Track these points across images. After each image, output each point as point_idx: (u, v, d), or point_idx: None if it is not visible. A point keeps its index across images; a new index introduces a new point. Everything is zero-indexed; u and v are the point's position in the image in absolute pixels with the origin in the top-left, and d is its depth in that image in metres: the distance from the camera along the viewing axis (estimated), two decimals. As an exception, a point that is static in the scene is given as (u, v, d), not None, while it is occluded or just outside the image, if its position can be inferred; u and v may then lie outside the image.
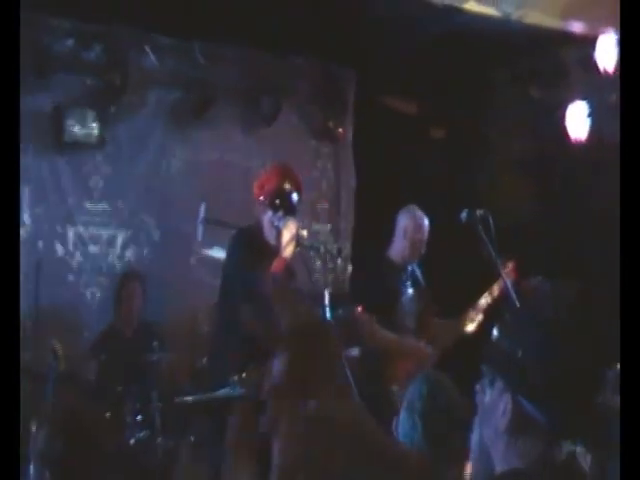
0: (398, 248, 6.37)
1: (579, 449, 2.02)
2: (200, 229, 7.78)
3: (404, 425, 3.39)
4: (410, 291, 6.36)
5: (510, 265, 6.26)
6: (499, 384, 2.10)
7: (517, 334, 2.21)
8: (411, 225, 6.33)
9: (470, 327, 6.36)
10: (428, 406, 3.36)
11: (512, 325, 2.30)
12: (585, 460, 2.13)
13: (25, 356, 6.44)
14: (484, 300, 6.39)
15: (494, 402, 2.10)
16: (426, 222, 6.35)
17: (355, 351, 6.16)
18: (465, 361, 5.73)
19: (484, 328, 6.19)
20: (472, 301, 6.40)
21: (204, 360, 6.62)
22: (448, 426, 3.30)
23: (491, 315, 6.25)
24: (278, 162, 6.81)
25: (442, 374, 3.69)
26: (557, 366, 2.06)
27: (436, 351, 6.28)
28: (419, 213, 6.39)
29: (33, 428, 5.16)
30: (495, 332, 2.18)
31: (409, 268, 6.41)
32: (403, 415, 3.42)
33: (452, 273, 6.84)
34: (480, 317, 6.36)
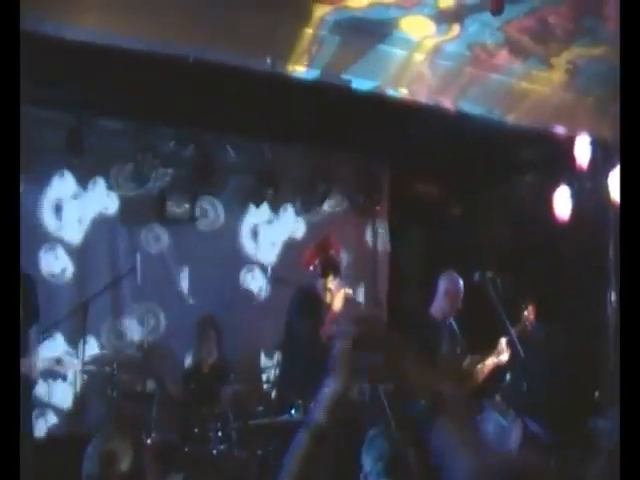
0: (439, 306, 6.19)
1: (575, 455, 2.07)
2: (268, 286, 8.06)
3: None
4: (449, 342, 6.21)
5: (530, 308, 6.26)
6: (511, 414, 2.10)
7: (522, 372, 2.24)
8: (451, 287, 6.16)
9: (494, 364, 6.06)
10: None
11: (517, 365, 2.34)
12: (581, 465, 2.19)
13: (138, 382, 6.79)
14: (502, 345, 6.05)
15: (508, 429, 2.11)
16: (461, 284, 6.18)
17: (390, 385, 6.23)
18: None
19: (500, 369, 6.07)
20: (490, 345, 6.13)
21: (270, 390, 6.61)
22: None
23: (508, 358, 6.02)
24: (321, 237, 6.84)
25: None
26: (553, 395, 2.05)
27: (467, 388, 6.02)
28: (456, 276, 6.23)
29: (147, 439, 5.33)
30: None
31: (447, 322, 6.24)
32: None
33: (472, 321, 6.78)
34: (500, 359, 6.03)
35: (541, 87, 6.61)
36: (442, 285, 6.23)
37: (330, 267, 6.15)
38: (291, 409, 5.61)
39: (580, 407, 5.87)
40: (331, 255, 6.25)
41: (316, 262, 6.21)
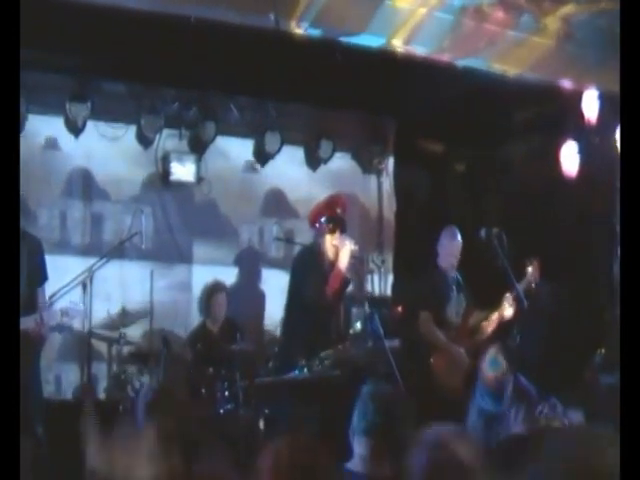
0: (444, 259, 6.41)
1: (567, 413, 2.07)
2: (273, 246, 8.07)
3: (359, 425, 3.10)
4: (456, 294, 6.41)
5: (535, 263, 6.32)
6: (506, 366, 2.13)
7: (517, 326, 2.25)
8: (452, 241, 6.43)
9: (500, 319, 6.20)
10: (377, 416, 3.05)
11: (518, 321, 2.35)
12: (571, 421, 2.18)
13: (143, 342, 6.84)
14: (507, 298, 6.20)
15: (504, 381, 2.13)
16: (459, 237, 6.44)
17: (395, 342, 6.20)
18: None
19: (507, 325, 6.16)
20: (497, 300, 6.28)
21: (275, 349, 6.63)
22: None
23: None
24: (328, 194, 6.91)
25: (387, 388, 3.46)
26: (546, 350, 2.06)
27: (475, 342, 6.20)
28: (456, 231, 6.47)
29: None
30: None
31: (453, 275, 6.45)
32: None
33: (478, 277, 6.68)
34: (505, 313, 6.19)
35: (544, 41, 6.52)
36: (445, 239, 6.45)
37: (336, 224, 6.14)
38: (294, 369, 5.65)
39: (581, 364, 5.93)
40: (338, 213, 6.23)
41: (322, 219, 6.19)
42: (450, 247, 6.43)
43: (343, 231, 6.21)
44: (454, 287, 6.42)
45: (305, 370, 5.60)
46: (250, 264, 7.93)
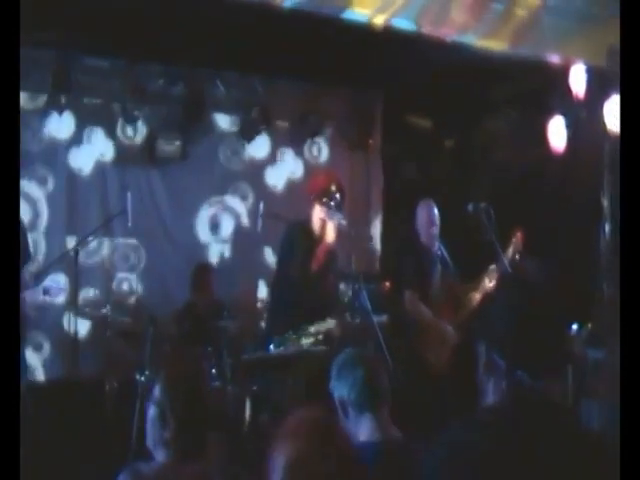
0: (425, 236, 6.34)
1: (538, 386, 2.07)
2: (260, 222, 8.03)
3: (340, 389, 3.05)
4: (440, 269, 6.35)
5: (518, 234, 6.30)
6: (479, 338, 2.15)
7: (491, 299, 2.26)
8: (429, 215, 6.32)
9: (486, 291, 6.16)
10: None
11: (497, 298, 2.34)
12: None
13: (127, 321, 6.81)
14: (492, 269, 6.21)
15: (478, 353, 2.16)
16: (436, 211, 6.32)
17: (383, 317, 6.15)
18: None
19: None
20: (482, 272, 6.26)
21: (262, 326, 6.61)
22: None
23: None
24: (324, 168, 6.84)
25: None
26: (515, 323, 2.07)
27: (463, 314, 6.21)
28: (431, 204, 6.37)
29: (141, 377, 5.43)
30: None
31: (437, 250, 6.38)
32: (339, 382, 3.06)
33: (465, 252, 6.64)
34: (490, 284, 6.18)
35: (525, 14, 6.48)
36: (420, 217, 6.37)
37: (330, 201, 6.09)
38: (270, 344, 5.63)
39: (564, 338, 5.92)
40: (332, 190, 6.19)
41: (318, 191, 6.14)
42: (428, 222, 6.34)
43: (338, 207, 6.15)
44: (438, 262, 6.37)
45: (281, 343, 5.58)
46: (238, 241, 7.90)
